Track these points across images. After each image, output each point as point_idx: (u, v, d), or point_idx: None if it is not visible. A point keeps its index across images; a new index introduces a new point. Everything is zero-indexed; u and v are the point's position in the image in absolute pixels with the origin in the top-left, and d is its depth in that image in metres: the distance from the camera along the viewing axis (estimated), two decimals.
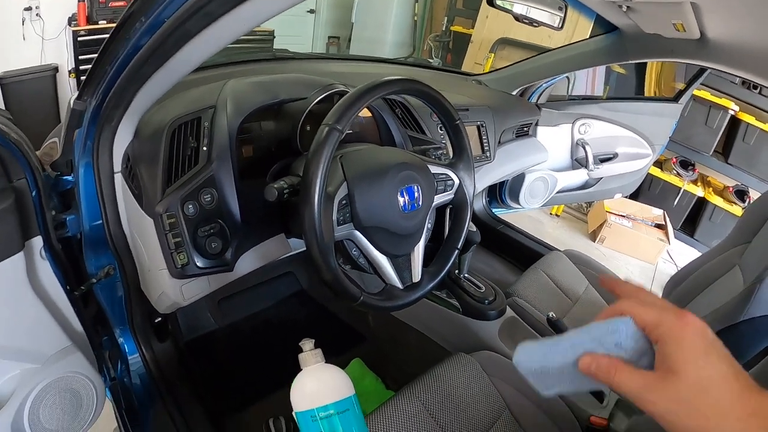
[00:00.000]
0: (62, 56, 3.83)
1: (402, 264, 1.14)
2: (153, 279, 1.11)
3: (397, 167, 1.07)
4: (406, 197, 1.07)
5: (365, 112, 1.37)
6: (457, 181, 1.22)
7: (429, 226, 1.21)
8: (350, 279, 1.02)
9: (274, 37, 5.01)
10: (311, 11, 5.79)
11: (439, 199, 1.19)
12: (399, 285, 1.12)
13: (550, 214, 4.32)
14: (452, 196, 1.22)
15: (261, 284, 2.06)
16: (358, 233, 1.04)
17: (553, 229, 4.15)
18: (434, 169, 1.17)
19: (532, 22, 1.60)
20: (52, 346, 1.16)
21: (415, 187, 1.09)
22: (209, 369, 1.79)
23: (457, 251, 1.23)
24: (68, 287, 1.13)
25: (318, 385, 0.88)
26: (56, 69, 3.81)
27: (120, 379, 1.33)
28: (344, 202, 1.01)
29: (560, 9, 1.63)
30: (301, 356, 0.92)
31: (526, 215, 3.87)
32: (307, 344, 0.92)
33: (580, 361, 0.56)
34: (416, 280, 1.16)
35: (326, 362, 0.92)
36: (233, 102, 1.12)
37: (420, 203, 1.10)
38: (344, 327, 2.03)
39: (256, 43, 4.88)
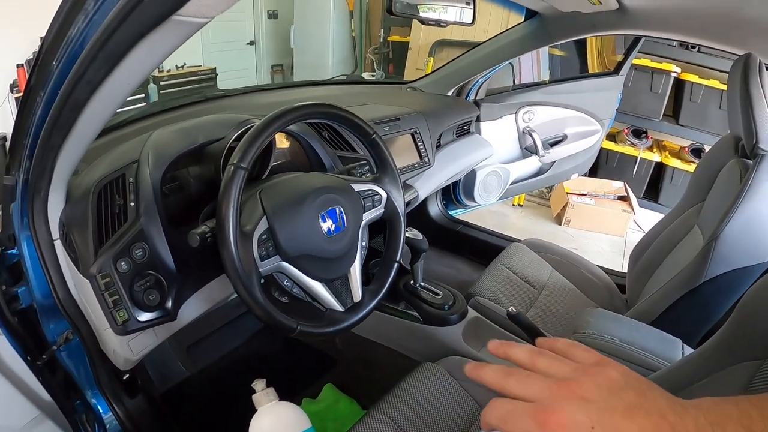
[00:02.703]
0: (8, 124, 3.72)
1: (340, 286, 1.14)
2: (103, 338, 1.11)
3: (315, 193, 1.06)
4: (329, 221, 1.07)
5: (284, 142, 1.36)
6: (384, 195, 1.21)
7: (364, 244, 1.20)
8: (298, 308, 1.02)
9: (217, 74, 5.01)
10: (251, 43, 5.79)
11: (368, 216, 1.18)
12: (339, 308, 1.11)
13: (513, 205, 4.33)
14: (382, 210, 1.22)
15: (227, 325, 2.04)
16: (286, 264, 1.03)
17: (517, 219, 4.16)
18: (358, 186, 1.17)
19: (439, 23, 1.59)
20: (20, 418, 1.17)
21: (337, 209, 1.08)
22: (186, 417, 1.76)
23: (396, 264, 1.23)
24: (29, 358, 1.13)
25: (274, 423, 0.90)
26: (4, 138, 3.71)
27: None
28: (265, 236, 1.00)
29: (468, 4, 1.63)
30: (254, 397, 0.94)
31: (489, 210, 3.88)
32: (258, 384, 0.95)
33: None
34: (357, 300, 1.16)
35: (299, 390, 0.92)
36: (154, 154, 1.11)
37: (345, 224, 1.10)
38: (315, 353, 2.01)
39: (199, 84, 4.87)
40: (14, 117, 3.25)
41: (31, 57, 3.75)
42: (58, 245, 1.06)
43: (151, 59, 0.78)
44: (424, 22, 1.59)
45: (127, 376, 1.32)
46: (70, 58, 0.76)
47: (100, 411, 1.28)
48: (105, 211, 1.04)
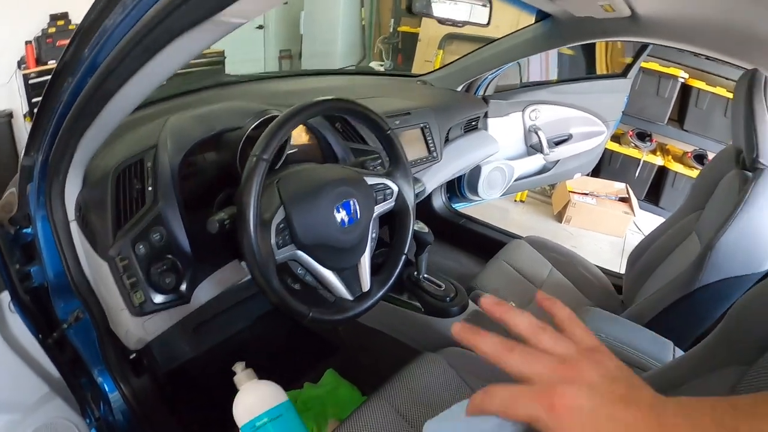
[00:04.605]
0: (15, 101, 3.75)
1: (350, 276, 1.17)
2: (116, 319, 1.13)
3: (331, 185, 1.09)
4: (343, 212, 1.09)
5: (303, 137, 1.39)
6: (396, 189, 1.24)
7: (374, 235, 1.23)
8: (308, 295, 1.05)
9: (225, 57, 4.99)
10: (260, 27, 5.76)
11: (379, 209, 1.21)
12: (349, 297, 1.15)
13: (515, 201, 4.36)
14: (393, 204, 1.25)
15: (233, 307, 2.05)
16: (300, 253, 1.07)
17: (518, 215, 4.19)
18: (371, 180, 1.19)
19: (455, 23, 1.61)
20: (31, 394, 1.18)
21: (352, 202, 1.11)
22: (190, 397, 1.79)
23: (404, 256, 1.26)
24: (40, 336, 1.15)
25: (251, 398, 0.95)
26: (11, 114, 3.73)
27: (104, 418, 1.33)
28: (282, 225, 1.03)
29: (484, 5, 1.66)
30: (235, 378, 0.98)
31: (491, 205, 3.91)
32: (239, 366, 0.99)
33: None
34: (366, 290, 1.19)
35: (300, 374, 0.93)
36: (173, 139, 1.14)
37: (358, 216, 1.12)
38: (317, 339, 2.05)
39: (207, 66, 4.85)
40: (21, 93, 3.25)
41: (40, 34, 3.72)
42: (74, 226, 1.08)
43: (184, 54, 0.81)
44: (441, 21, 1.62)
45: (134, 355, 1.34)
46: (104, 49, 0.78)
47: (106, 390, 1.29)
48: (123, 194, 1.06)
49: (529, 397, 0.47)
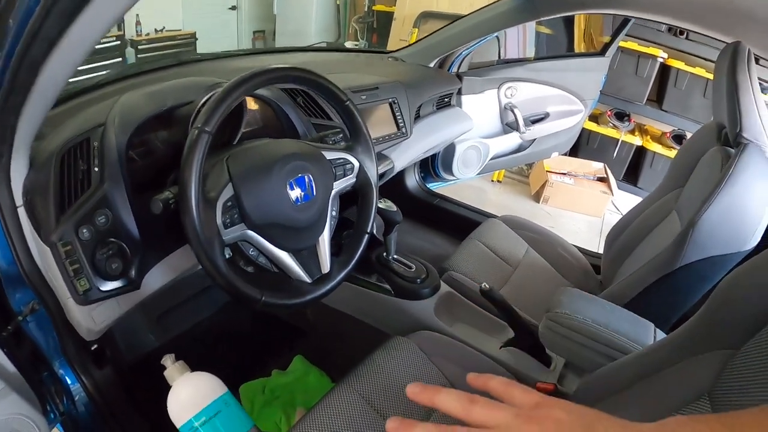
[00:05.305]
0: None
1: (308, 257, 1.11)
2: (66, 309, 1.07)
3: (284, 159, 1.03)
4: (298, 189, 1.04)
5: (253, 105, 1.33)
6: (357, 164, 1.18)
7: (334, 213, 1.18)
8: (262, 279, 1.00)
9: (197, 39, 4.91)
10: (233, 8, 5.68)
11: (339, 185, 1.15)
12: (306, 279, 1.09)
13: (492, 180, 4.32)
14: (354, 179, 1.19)
15: (198, 294, 2.00)
16: (251, 233, 1.00)
17: (496, 195, 4.15)
18: (330, 155, 1.13)
19: None
20: None
21: (306, 177, 1.05)
22: (156, 388, 1.74)
23: (367, 235, 1.20)
24: None
25: (186, 395, 0.90)
26: None
27: (68, 412, 1.29)
28: (230, 203, 0.97)
29: None
30: (165, 373, 0.93)
31: (467, 185, 3.86)
32: (168, 360, 0.94)
33: None
34: (325, 272, 1.13)
35: (268, 361, 0.88)
36: (120, 117, 1.07)
37: (315, 193, 1.07)
38: (286, 324, 2.00)
39: (177, 48, 4.78)
40: None
41: None
42: (22, 212, 1.01)
43: (109, 13, 0.75)
44: None
45: (96, 346, 1.29)
46: (25, 14, 0.72)
47: (68, 382, 1.25)
48: (68, 176, 1.00)
49: None
